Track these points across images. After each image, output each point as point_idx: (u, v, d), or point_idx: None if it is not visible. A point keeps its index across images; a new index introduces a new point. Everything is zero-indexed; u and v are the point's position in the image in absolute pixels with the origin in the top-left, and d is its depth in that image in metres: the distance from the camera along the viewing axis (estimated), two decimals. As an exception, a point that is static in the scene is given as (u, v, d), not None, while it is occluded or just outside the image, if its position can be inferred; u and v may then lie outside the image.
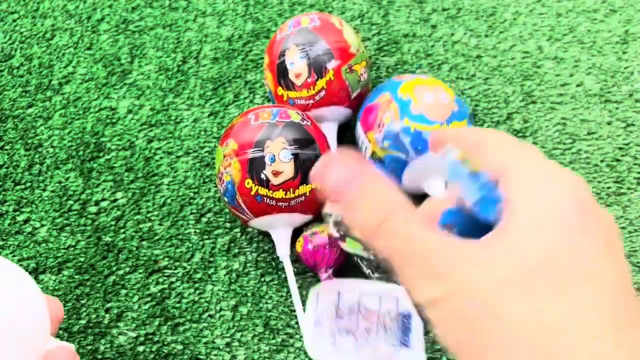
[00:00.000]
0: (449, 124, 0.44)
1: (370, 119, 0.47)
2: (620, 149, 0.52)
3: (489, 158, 0.23)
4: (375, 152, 0.46)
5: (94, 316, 0.47)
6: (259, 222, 0.45)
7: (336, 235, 0.43)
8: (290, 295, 0.47)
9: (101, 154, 0.54)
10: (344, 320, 0.43)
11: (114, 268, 0.48)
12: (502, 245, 0.20)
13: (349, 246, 0.43)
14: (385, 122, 0.45)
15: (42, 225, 0.51)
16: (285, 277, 0.47)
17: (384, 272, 0.44)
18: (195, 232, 0.50)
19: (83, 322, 0.46)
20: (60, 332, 0.46)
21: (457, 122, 0.44)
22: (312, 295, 0.44)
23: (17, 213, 0.52)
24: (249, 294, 0.47)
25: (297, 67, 0.48)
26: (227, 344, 0.45)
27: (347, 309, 0.43)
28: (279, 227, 0.45)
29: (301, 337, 0.45)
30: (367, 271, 0.44)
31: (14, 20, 0.63)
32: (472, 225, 0.24)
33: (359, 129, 0.48)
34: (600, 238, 0.20)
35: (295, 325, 0.45)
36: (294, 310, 0.46)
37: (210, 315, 0.46)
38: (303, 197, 0.43)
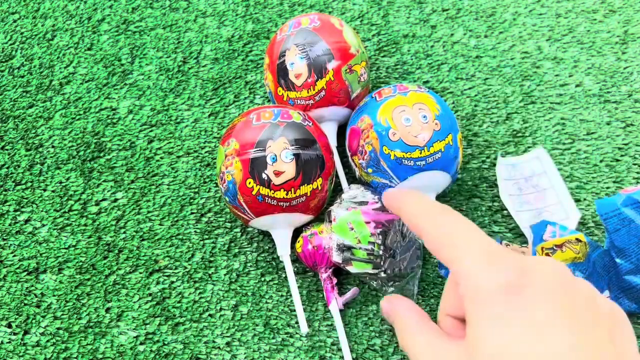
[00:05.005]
0: (430, 147, 0.44)
1: (354, 144, 0.47)
2: (619, 149, 0.53)
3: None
4: (362, 176, 0.47)
5: (94, 316, 0.47)
6: (259, 222, 0.45)
7: (339, 261, 0.43)
8: (290, 295, 0.47)
9: (102, 154, 0.54)
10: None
11: (115, 268, 0.49)
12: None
13: (356, 267, 0.44)
14: (366, 150, 0.45)
15: (43, 225, 0.51)
16: (286, 277, 0.47)
17: (397, 282, 0.45)
18: (195, 232, 0.50)
19: (83, 321, 0.46)
20: (61, 332, 0.46)
21: (439, 142, 0.44)
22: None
23: (18, 213, 0.52)
24: (249, 294, 0.47)
25: (297, 67, 0.48)
26: (228, 344, 0.45)
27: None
28: (280, 227, 0.45)
29: (301, 336, 0.45)
30: (379, 286, 0.45)
31: (15, 21, 0.63)
32: None
33: (347, 148, 0.49)
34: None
35: (295, 325, 0.45)
36: (294, 310, 0.46)
37: (210, 315, 0.46)
38: (304, 197, 0.44)
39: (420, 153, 0.44)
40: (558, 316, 0.24)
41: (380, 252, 0.43)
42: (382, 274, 0.43)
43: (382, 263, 0.43)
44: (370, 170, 0.46)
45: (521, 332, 0.24)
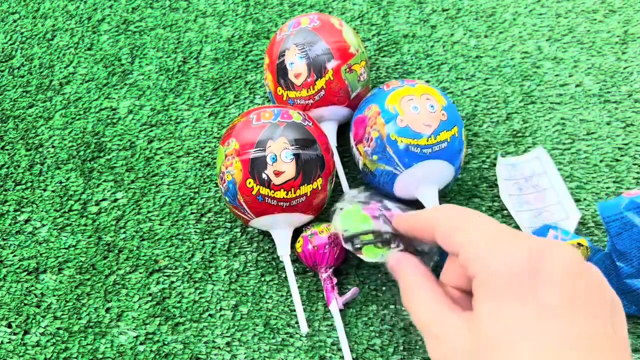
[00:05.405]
0: (437, 136, 0.44)
1: (359, 132, 0.46)
2: (619, 149, 0.53)
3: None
4: (366, 165, 0.46)
5: (94, 316, 0.47)
6: (259, 222, 0.45)
7: (351, 249, 0.43)
8: (290, 295, 0.47)
9: (102, 154, 0.54)
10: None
11: (115, 268, 0.49)
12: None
13: (367, 255, 0.43)
14: (373, 137, 0.45)
15: (43, 225, 0.51)
16: (286, 277, 0.47)
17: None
18: (195, 232, 0.50)
19: (83, 321, 0.46)
20: (61, 332, 0.46)
21: (446, 132, 0.44)
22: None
23: (18, 213, 0.52)
24: (249, 294, 0.47)
25: (296, 67, 0.48)
26: (228, 344, 0.45)
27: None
28: (280, 227, 0.45)
29: (301, 336, 0.45)
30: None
31: (15, 21, 0.63)
32: None
33: (351, 139, 0.48)
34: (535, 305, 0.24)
35: (295, 325, 0.45)
36: (294, 310, 0.46)
37: (210, 315, 0.46)
38: (304, 197, 0.44)
39: (427, 141, 0.44)
40: (570, 302, 0.23)
41: (387, 229, 0.43)
42: (393, 246, 0.43)
43: (390, 240, 0.43)
44: (375, 157, 0.45)
45: (530, 316, 0.23)
